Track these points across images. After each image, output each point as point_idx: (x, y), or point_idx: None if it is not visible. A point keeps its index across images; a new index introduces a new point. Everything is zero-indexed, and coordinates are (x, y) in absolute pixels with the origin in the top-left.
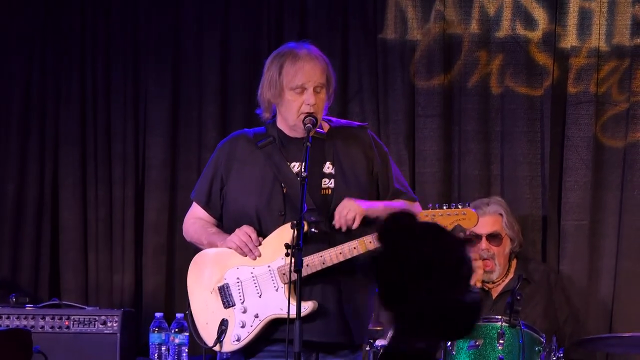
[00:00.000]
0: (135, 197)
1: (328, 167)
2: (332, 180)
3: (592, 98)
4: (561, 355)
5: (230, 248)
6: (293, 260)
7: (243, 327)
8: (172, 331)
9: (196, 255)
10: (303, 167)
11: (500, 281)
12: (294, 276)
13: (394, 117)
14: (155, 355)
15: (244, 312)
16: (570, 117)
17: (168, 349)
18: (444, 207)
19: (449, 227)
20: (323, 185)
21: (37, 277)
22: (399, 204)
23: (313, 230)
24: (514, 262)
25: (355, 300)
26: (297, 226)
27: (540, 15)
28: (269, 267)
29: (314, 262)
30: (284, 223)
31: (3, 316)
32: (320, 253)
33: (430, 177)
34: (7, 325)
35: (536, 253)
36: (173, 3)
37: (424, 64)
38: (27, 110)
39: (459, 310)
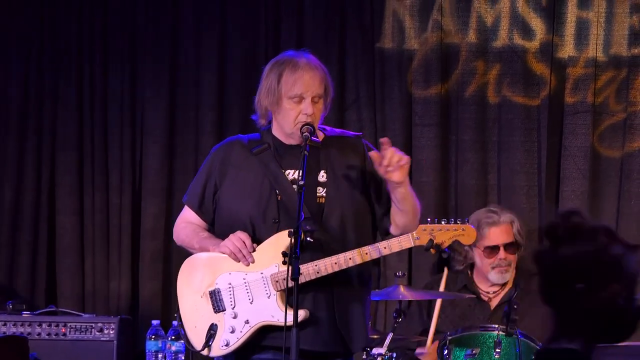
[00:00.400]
0: (132, 203)
1: (322, 176)
2: (326, 189)
3: (589, 108)
4: None
5: (224, 253)
6: (290, 268)
7: (233, 332)
8: (169, 338)
9: (187, 259)
10: (300, 175)
11: (500, 291)
12: (290, 284)
13: (391, 126)
14: None
15: (235, 317)
16: (567, 127)
17: (165, 357)
18: (443, 222)
19: (447, 243)
20: (317, 194)
21: (33, 283)
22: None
23: (308, 239)
24: (513, 272)
25: (348, 309)
26: (295, 234)
27: (537, 25)
28: (261, 273)
29: (308, 271)
30: (277, 230)
31: (0, 323)
32: (315, 262)
33: (427, 186)
34: (4, 332)
35: (533, 263)
36: (171, 6)
37: (421, 73)
38: (24, 116)
39: (624, 312)
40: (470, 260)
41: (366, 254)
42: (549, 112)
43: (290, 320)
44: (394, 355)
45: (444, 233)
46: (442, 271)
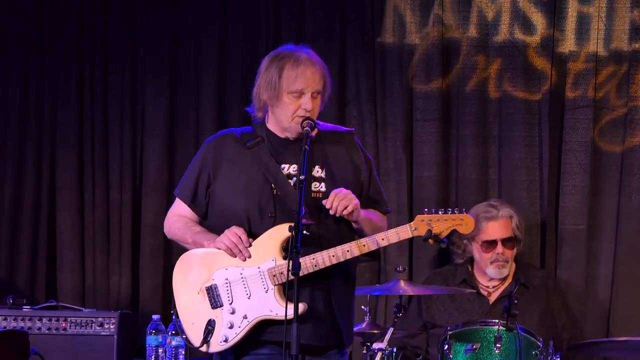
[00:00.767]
0: (133, 199)
1: (318, 171)
2: (323, 184)
3: (590, 103)
4: (558, 359)
5: (220, 249)
6: (291, 263)
7: (231, 327)
8: (169, 333)
9: (183, 255)
10: (300, 170)
11: (499, 285)
12: (291, 278)
13: (392, 120)
14: (152, 357)
15: (232, 313)
16: (568, 121)
17: (165, 351)
18: (440, 212)
19: (446, 233)
20: (313, 189)
21: (34, 278)
22: (374, 216)
23: (305, 232)
24: (512, 266)
25: (343, 302)
26: (295, 229)
27: (538, 20)
28: (258, 268)
29: (305, 264)
30: (274, 224)
31: (0, 317)
32: (312, 255)
33: (428, 180)
34: (4, 327)
35: (534, 257)
36: (171, 5)
37: (422, 68)
38: (24, 113)
39: None
40: (469, 254)
41: (364, 245)
42: (550, 106)
43: (290, 314)
44: (394, 350)
45: (442, 223)
46: (443, 265)
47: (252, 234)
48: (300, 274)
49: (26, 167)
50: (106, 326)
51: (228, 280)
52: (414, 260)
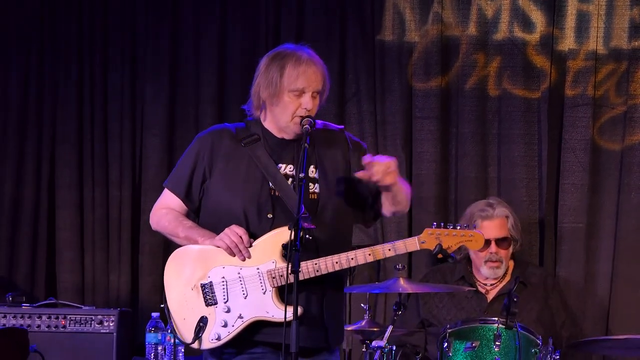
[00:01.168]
0: (132, 197)
1: (312, 171)
2: (318, 185)
3: (589, 101)
4: (557, 357)
5: (219, 247)
6: (289, 261)
7: (225, 326)
8: (169, 331)
9: (177, 250)
10: (300, 168)
11: (498, 283)
12: (291, 277)
13: (391, 118)
14: (152, 355)
15: (227, 311)
16: (567, 119)
17: (164, 349)
18: (449, 227)
19: (454, 248)
20: (310, 190)
21: (33, 276)
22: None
23: (307, 237)
24: (510, 264)
25: (335, 305)
26: (295, 227)
27: (538, 17)
28: (257, 269)
29: (307, 269)
30: (272, 226)
31: None
32: (315, 261)
33: (427, 178)
34: (4, 324)
35: (533, 255)
36: (171, 5)
37: (421, 66)
38: (24, 110)
39: None
40: (464, 251)
41: (369, 254)
42: (549, 104)
43: (288, 316)
44: (394, 348)
45: (451, 238)
46: (439, 263)
47: (250, 234)
48: (302, 278)
49: (26, 166)
50: (105, 324)
51: (225, 279)
52: (413, 258)
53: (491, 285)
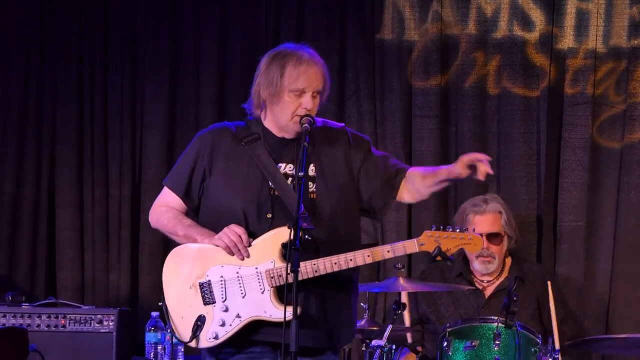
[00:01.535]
0: (132, 196)
1: (312, 170)
2: (315, 184)
3: (589, 99)
4: (557, 356)
5: (219, 246)
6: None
7: (222, 325)
8: (168, 330)
9: (176, 249)
10: (299, 166)
11: (495, 280)
12: (290, 276)
13: (391, 117)
14: (151, 354)
15: (225, 310)
16: (567, 118)
17: (164, 348)
18: (448, 229)
19: (453, 250)
20: (309, 189)
21: (33, 275)
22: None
23: (307, 237)
24: (508, 260)
25: (339, 305)
26: (294, 226)
27: (537, 16)
28: (256, 268)
29: (306, 269)
30: (271, 226)
31: None
32: (313, 261)
33: None
34: (4, 324)
35: (532, 254)
36: (171, 3)
37: (421, 65)
38: (24, 110)
39: None
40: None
41: (368, 256)
42: (549, 103)
43: (287, 316)
44: (393, 347)
45: (450, 240)
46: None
47: (249, 233)
48: (300, 278)
49: (26, 165)
50: (105, 323)
51: (223, 278)
52: (412, 258)
53: (488, 282)
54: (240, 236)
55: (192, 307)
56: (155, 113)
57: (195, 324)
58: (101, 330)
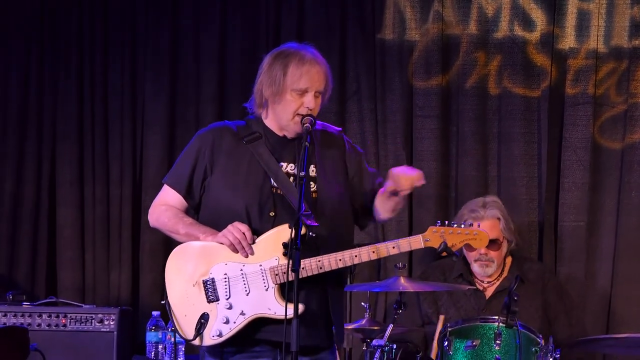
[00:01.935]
0: (133, 194)
1: (312, 171)
2: (317, 184)
3: (590, 99)
4: (558, 356)
5: (223, 244)
6: (289, 260)
7: (226, 323)
8: (169, 330)
9: (178, 247)
10: (301, 166)
11: (495, 280)
12: (291, 275)
13: (392, 117)
14: (152, 353)
15: (229, 308)
16: (568, 118)
17: (165, 348)
18: (453, 225)
19: (458, 246)
20: (311, 189)
21: (34, 274)
22: None
23: (310, 233)
24: (508, 260)
25: (338, 304)
26: (296, 225)
27: (538, 16)
28: (260, 266)
29: (311, 266)
30: (274, 224)
31: (0, 314)
32: (318, 258)
33: (427, 177)
34: (4, 323)
35: (533, 254)
36: (171, 3)
37: (422, 65)
38: (24, 110)
39: None
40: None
41: (373, 252)
42: (550, 103)
43: (289, 314)
44: (394, 346)
45: (456, 236)
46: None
47: (252, 231)
48: (305, 275)
49: (27, 164)
50: (106, 322)
51: (227, 276)
52: (413, 257)
53: (488, 282)
54: (244, 233)
55: (195, 305)
56: (155, 112)
57: (199, 322)
58: (102, 330)
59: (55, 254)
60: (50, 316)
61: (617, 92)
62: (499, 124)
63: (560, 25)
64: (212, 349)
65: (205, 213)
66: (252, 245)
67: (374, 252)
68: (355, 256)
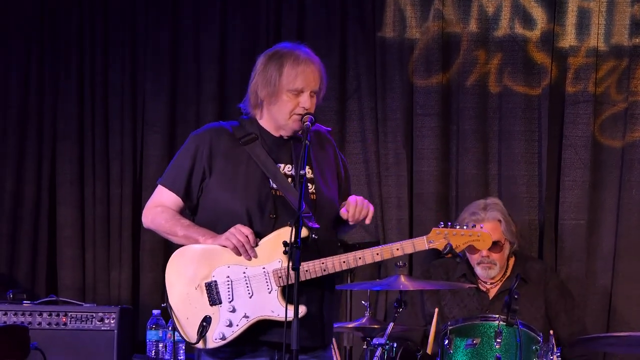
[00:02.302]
0: (133, 194)
1: (309, 172)
2: (314, 186)
3: (590, 98)
4: (558, 354)
5: (225, 247)
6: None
7: (229, 325)
8: (170, 328)
9: (179, 249)
10: (301, 165)
11: (498, 281)
12: (291, 273)
13: (392, 115)
14: (153, 352)
15: (232, 311)
16: (568, 116)
17: (165, 346)
18: (457, 227)
19: (462, 247)
20: (310, 190)
21: (34, 273)
22: None
23: (314, 236)
24: (511, 261)
25: (332, 304)
26: (296, 224)
27: (539, 14)
28: (263, 268)
29: (314, 268)
30: (275, 225)
31: (0, 312)
32: (322, 260)
33: (428, 175)
34: (5, 322)
35: (533, 252)
36: (171, 3)
37: (422, 63)
38: (25, 109)
39: None
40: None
41: (377, 254)
42: (550, 101)
43: (290, 316)
44: (395, 345)
45: (459, 237)
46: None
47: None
48: (308, 277)
49: (27, 163)
50: (106, 321)
51: (229, 279)
52: (414, 256)
53: (491, 283)
54: (247, 236)
55: (197, 308)
56: (156, 111)
57: (201, 325)
58: (102, 328)
59: (55, 253)
60: (50, 315)
61: (618, 91)
62: (500, 122)
63: (561, 24)
64: (210, 350)
65: (203, 215)
66: (255, 248)
67: (377, 254)
68: (360, 258)
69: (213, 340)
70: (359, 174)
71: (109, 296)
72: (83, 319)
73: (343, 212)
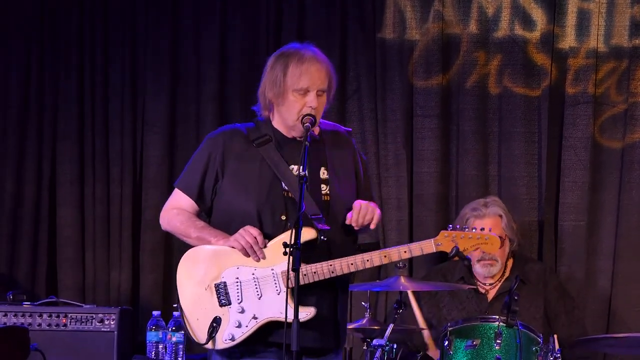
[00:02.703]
0: (133, 194)
1: (324, 173)
2: (329, 187)
3: (590, 99)
4: (558, 355)
5: (234, 248)
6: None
7: (239, 326)
8: (170, 329)
9: (190, 250)
10: (301, 165)
11: (497, 282)
12: (302, 278)
13: (392, 116)
14: (153, 353)
15: (241, 312)
16: (568, 117)
17: (165, 347)
18: (465, 230)
19: (470, 250)
20: (322, 192)
21: (34, 274)
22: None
23: (323, 238)
24: (510, 262)
25: (344, 307)
26: (295, 226)
27: (538, 15)
28: (272, 270)
29: (322, 270)
30: (285, 226)
31: (0, 314)
32: (330, 262)
33: (428, 176)
34: (5, 323)
35: (533, 254)
36: (171, 3)
37: (422, 64)
38: (25, 108)
39: None
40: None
41: (385, 256)
42: (550, 102)
43: (302, 317)
44: (395, 346)
45: (467, 240)
46: (443, 261)
47: (264, 235)
48: (316, 278)
49: (27, 163)
50: (106, 322)
51: (239, 280)
52: (414, 257)
53: (490, 285)
54: (255, 237)
55: (207, 309)
56: (156, 111)
57: (211, 326)
58: (102, 330)
59: (55, 253)
60: (50, 316)
61: (617, 92)
62: (499, 124)
63: (561, 25)
64: (221, 351)
65: (217, 216)
66: (264, 249)
67: (385, 256)
68: (367, 260)
69: (223, 341)
70: None
71: (109, 297)
72: (83, 320)
73: (348, 217)
